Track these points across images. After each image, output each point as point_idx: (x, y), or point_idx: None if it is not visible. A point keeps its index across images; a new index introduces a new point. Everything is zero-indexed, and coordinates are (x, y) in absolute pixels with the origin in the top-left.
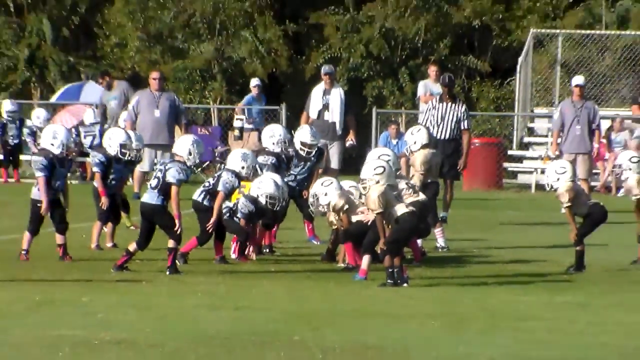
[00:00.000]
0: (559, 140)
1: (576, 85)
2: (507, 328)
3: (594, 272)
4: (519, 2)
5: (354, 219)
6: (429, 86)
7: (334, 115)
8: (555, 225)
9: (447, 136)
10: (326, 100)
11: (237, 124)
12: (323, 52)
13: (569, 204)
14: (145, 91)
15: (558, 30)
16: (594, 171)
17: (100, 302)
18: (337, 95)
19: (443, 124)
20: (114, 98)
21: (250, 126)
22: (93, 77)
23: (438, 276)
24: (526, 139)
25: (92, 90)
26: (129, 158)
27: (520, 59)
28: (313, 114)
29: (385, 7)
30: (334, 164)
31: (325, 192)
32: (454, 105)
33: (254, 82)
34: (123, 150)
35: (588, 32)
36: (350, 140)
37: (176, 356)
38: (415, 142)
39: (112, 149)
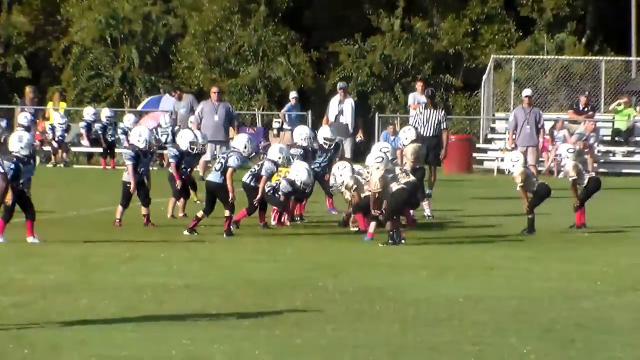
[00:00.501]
0: (514, 136)
1: (526, 96)
2: (477, 275)
3: (542, 234)
4: (483, 35)
5: (364, 195)
6: (416, 97)
7: (347, 118)
8: (511, 200)
9: (431, 134)
10: (341, 108)
11: (275, 125)
12: (338, 72)
13: (522, 184)
14: (208, 101)
15: (512, 56)
16: (540, 159)
17: (174, 257)
18: (349, 104)
19: (427, 125)
20: (182, 107)
21: (289, 127)
22: (168, 92)
23: (425, 237)
24: (490, 136)
25: (168, 101)
26: (196, 151)
27: (484, 77)
28: (331, 118)
29: (384, 39)
30: (348, 154)
31: (340, 174)
32: (435, 111)
33: (293, 94)
34: (192, 146)
35: (534, 57)
36: (359, 137)
37: (230, 296)
38: (406, 138)
39: (184, 145)
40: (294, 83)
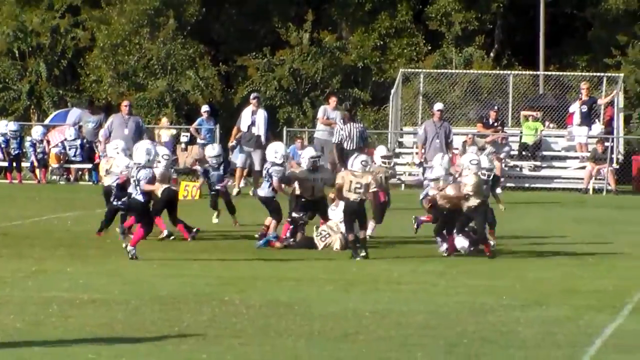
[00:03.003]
0: (423, 150)
1: (437, 110)
2: (384, 289)
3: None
4: (392, 49)
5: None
6: (327, 111)
7: (260, 129)
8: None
9: (354, 147)
10: (254, 119)
11: (183, 139)
12: (247, 86)
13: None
14: (117, 115)
15: (420, 70)
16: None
17: (80, 271)
18: (262, 115)
19: (349, 139)
20: (92, 121)
21: (203, 141)
22: (77, 105)
23: (332, 252)
24: (397, 150)
25: (75, 115)
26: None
27: (392, 91)
28: (243, 128)
29: (292, 53)
30: (257, 166)
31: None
32: (355, 124)
33: (204, 108)
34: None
35: (442, 71)
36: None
37: (137, 311)
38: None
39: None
40: (203, 97)
